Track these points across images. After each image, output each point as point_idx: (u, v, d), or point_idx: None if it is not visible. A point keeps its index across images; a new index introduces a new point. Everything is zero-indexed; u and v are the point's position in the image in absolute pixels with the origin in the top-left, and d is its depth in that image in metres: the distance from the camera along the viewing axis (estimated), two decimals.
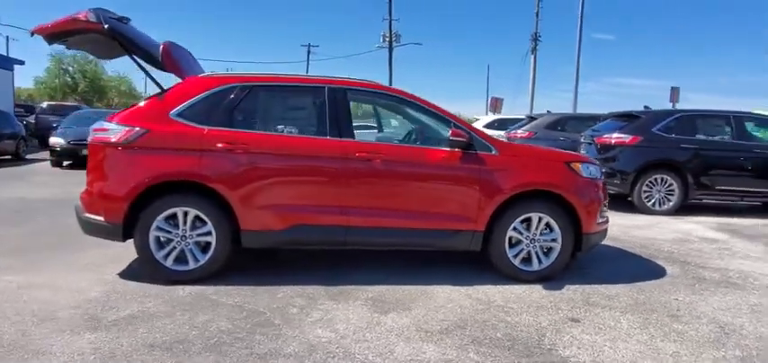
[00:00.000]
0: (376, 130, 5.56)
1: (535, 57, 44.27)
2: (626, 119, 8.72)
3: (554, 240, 4.35)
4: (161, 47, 4.17)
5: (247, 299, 3.72)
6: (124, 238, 4.00)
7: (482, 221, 4.23)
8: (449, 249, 4.36)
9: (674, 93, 18.46)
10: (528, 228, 4.33)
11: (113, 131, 3.94)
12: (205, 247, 4.04)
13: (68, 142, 12.33)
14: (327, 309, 3.60)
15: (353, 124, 4.25)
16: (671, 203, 8.05)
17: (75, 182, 9.45)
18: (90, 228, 4.08)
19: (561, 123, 12.35)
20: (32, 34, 4.07)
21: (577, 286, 4.28)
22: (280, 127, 4.22)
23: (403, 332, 3.27)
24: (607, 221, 4.68)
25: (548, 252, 4.37)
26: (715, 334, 3.40)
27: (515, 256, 4.34)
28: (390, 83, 43.56)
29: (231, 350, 2.94)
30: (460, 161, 4.20)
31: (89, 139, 4.09)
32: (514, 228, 4.30)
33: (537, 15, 43.41)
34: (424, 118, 4.45)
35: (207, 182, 3.93)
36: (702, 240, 6.35)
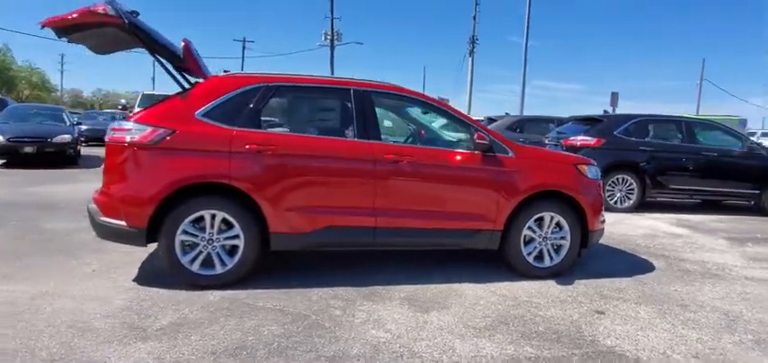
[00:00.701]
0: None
1: (473, 60, 45.62)
2: (589, 123, 9.28)
3: (563, 238, 4.61)
4: (182, 43, 4.03)
5: (284, 303, 3.69)
6: (147, 243, 3.84)
7: (501, 220, 4.41)
8: (469, 248, 4.50)
9: (614, 98, 19.75)
10: (540, 227, 4.56)
11: (137, 131, 3.76)
12: (231, 251, 3.95)
13: (7, 139, 11.38)
14: (369, 310, 3.64)
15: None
16: (631, 201, 8.66)
17: (21, 182, 8.84)
18: (108, 233, 3.87)
19: (520, 125, 12.91)
20: (43, 27, 3.80)
21: (585, 280, 4.56)
22: (310, 128, 4.20)
23: (453, 329, 3.38)
24: (605, 220, 5.01)
25: (558, 249, 4.63)
26: (724, 321, 3.76)
27: (529, 254, 4.56)
28: None
29: (297, 354, 2.93)
30: (481, 163, 4.36)
31: (107, 138, 3.88)
32: (529, 227, 4.52)
33: (474, 19, 44.79)
34: (445, 121, 4.57)
35: (236, 185, 3.84)
36: (668, 235, 6.91)
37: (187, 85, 4.25)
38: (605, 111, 10.01)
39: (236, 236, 3.91)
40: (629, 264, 5.24)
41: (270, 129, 4.06)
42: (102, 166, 3.93)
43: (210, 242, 3.88)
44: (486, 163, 4.37)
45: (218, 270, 3.90)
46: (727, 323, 3.73)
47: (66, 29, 3.87)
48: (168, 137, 3.76)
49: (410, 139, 4.54)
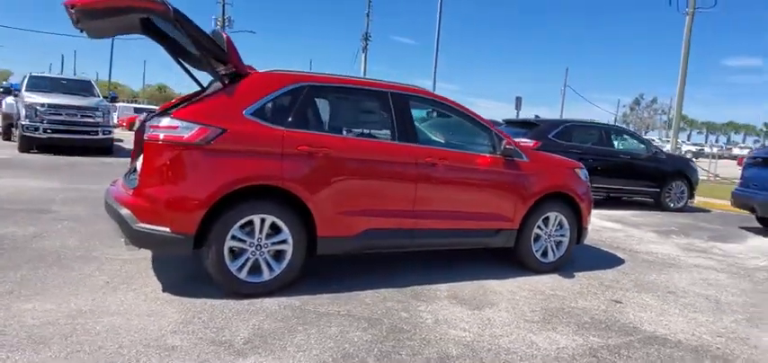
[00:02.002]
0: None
1: (366, 57, 46.25)
2: (525, 126, 10.07)
3: (563, 235, 5.07)
4: (224, 36, 3.77)
5: (344, 307, 3.64)
6: (193, 251, 3.56)
7: (518, 220, 4.74)
8: (490, 246, 4.76)
9: (518, 102, 21.42)
10: (546, 225, 4.97)
11: (185, 129, 3.46)
12: (275, 256, 3.79)
13: None
14: (429, 310, 3.73)
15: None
16: None
17: None
18: (145, 240, 3.51)
19: None
20: (73, 6, 3.33)
21: (581, 273, 5.05)
22: (353, 130, 4.15)
23: (518, 324, 3.60)
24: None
25: (558, 245, 5.07)
26: (713, 305, 4.43)
27: (537, 251, 4.94)
28: None
29: (403, 359, 2.95)
30: (504, 167, 4.64)
31: (147, 136, 3.51)
32: (538, 226, 4.90)
33: (368, 16, 45.61)
34: (470, 126, 4.76)
35: (289, 188, 3.70)
36: (607, 229, 7.79)
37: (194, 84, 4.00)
38: (536, 116, 10.90)
39: (284, 241, 3.77)
40: (603, 258, 5.87)
41: (316, 131, 3.95)
42: (139, 166, 3.56)
43: (259, 247, 3.70)
44: (507, 167, 4.66)
45: (266, 276, 3.73)
46: (716, 306, 4.39)
47: (95, 13, 3.45)
48: (220, 137, 3.52)
49: (439, 143, 4.66)
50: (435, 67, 23.53)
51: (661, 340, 3.53)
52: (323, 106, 4.09)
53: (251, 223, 3.65)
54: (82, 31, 4.17)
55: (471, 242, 4.63)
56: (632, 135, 11.07)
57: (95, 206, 6.48)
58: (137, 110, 33.59)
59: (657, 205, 10.47)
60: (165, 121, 3.49)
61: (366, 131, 4.21)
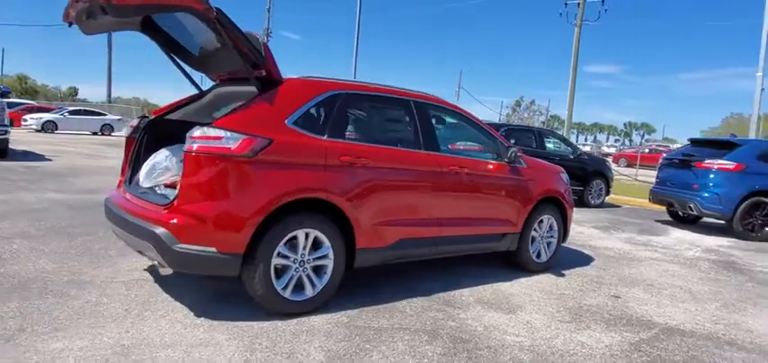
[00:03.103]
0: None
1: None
2: None
3: (553, 236, 5.40)
4: (263, 42, 3.52)
5: (394, 321, 3.59)
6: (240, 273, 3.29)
7: (520, 224, 4.96)
8: (496, 251, 4.92)
9: None
10: (540, 228, 5.25)
11: (231, 139, 3.19)
12: (316, 271, 3.63)
13: None
14: (473, 317, 3.79)
15: None
16: None
17: None
18: (187, 262, 3.19)
19: None
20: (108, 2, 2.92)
21: (568, 271, 5.41)
22: (383, 139, 4.07)
23: (558, 325, 3.78)
24: None
25: (549, 246, 5.38)
26: (689, 295, 4.97)
27: (533, 252, 5.21)
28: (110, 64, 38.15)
29: None
30: (510, 173, 4.84)
31: (190, 148, 3.18)
32: (535, 229, 5.17)
33: (269, 11, 44.37)
34: (478, 134, 4.88)
35: (332, 200, 3.56)
36: None
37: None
38: None
39: (325, 256, 3.62)
40: (573, 255, 6.30)
41: (353, 140, 3.83)
42: (179, 182, 3.21)
43: (302, 264, 3.52)
44: (513, 173, 4.86)
45: (309, 293, 3.56)
46: (693, 296, 4.93)
47: (129, 9, 3.08)
48: (267, 148, 3.29)
49: (457, 151, 4.72)
50: (355, 68, 23.58)
51: (677, 330, 3.90)
52: (356, 114, 3.98)
53: (295, 238, 3.46)
54: (71, 25, 3.71)
55: (481, 247, 4.76)
56: (561, 138, 11.99)
57: (34, 218, 5.74)
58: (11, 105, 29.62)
59: (581, 202, 11.42)
60: (210, 132, 3.19)
61: (396, 140, 4.16)
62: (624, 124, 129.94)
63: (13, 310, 3.23)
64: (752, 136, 14.69)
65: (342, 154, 3.63)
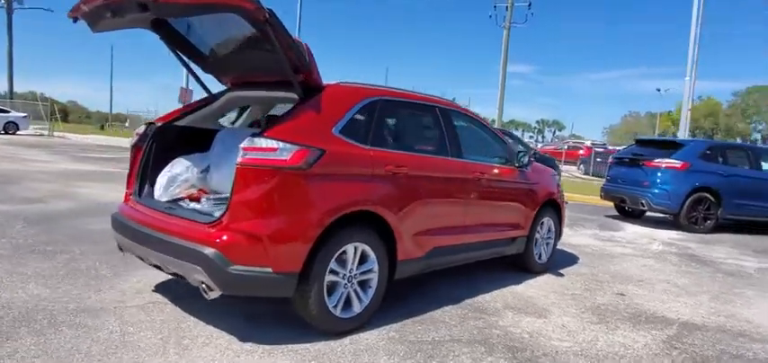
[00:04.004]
0: None
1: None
2: None
3: (550, 237, 5.56)
4: (305, 45, 3.31)
5: (443, 333, 3.53)
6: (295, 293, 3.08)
7: (527, 227, 5.07)
8: (505, 254, 4.98)
9: None
10: (541, 229, 5.39)
11: (285, 150, 2.96)
12: (361, 286, 3.49)
13: None
14: (513, 324, 3.81)
15: None
16: None
17: None
18: (242, 285, 2.94)
19: None
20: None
21: (564, 271, 5.60)
22: (417, 147, 3.97)
23: (591, 327, 3.89)
24: None
25: (547, 246, 5.54)
26: (678, 289, 5.31)
27: (536, 254, 5.33)
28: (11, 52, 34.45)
29: None
30: (520, 177, 4.92)
31: (242, 160, 2.91)
32: (538, 231, 5.30)
33: None
34: (491, 139, 4.90)
35: (379, 212, 3.43)
36: None
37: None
38: None
39: (370, 270, 3.48)
40: (560, 255, 6.48)
41: (392, 149, 3.71)
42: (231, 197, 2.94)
43: (350, 279, 3.36)
44: (522, 177, 4.94)
45: (356, 309, 3.41)
46: (682, 290, 5.27)
47: (177, 8, 2.79)
48: (321, 159, 3.10)
49: (477, 157, 4.68)
50: None
51: (693, 325, 4.14)
52: (392, 122, 3.85)
53: (344, 253, 3.30)
54: (76, 21, 3.33)
55: (497, 251, 4.80)
56: (516, 138, 12.38)
57: None
58: None
59: None
60: (263, 142, 2.94)
61: (428, 147, 4.08)
62: (536, 121, 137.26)
63: (32, 348, 2.81)
64: (680, 135, 15.99)
65: (386, 163, 3.51)
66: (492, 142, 4.87)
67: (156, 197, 3.65)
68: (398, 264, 3.65)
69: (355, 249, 3.34)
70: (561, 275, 5.39)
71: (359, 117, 3.49)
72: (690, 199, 9.11)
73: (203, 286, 2.94)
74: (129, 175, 3.81)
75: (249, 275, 2.91)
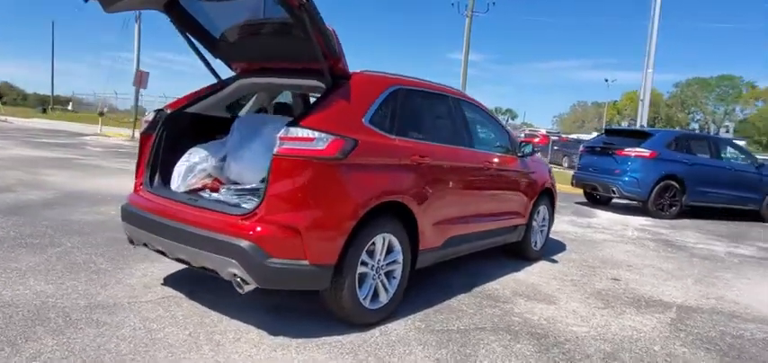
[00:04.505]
0: None
1: (139, 25, 41.08)
2: None
3: (544, 225, 5.71)
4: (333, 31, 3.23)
5: (466, 321, 3.57)
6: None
7: (527, 215, 5.18)
8: (508, 243, 5.07)
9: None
10: (538, 217, 5.52)
11: (322, 140, 2.90)
12: (387, 277, 3.48)
13: None
14: (528, 311, 3.89)
15: None
16: None
17: None
18: (280, 278, 2.87)
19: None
20: None
21: (556, 257, 5.77)
22: (435, 136, 3.96)
23: (600, 313, 4.03)
24: None
25: (542, 233, 5.68)
26: (664, 273, 5.57)
27: (532, 241, 5.46)
28: None
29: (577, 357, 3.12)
30: (522, 166, 5.01)
31: (279, 150, 2.82)
32: (534, 219, 5.42)
33: None
34: (496, 128, 4.95)
35: (406, 202, 3.42)
36: None
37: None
38: None
39: (395, 261, 3.47)
40: (548, 241, 6.71)
41: (416, 139, 3.69)
42: (267, 187, 2.84)
43: (378, 270, 3.35)
44: (523, 166, 5.04)
45: (383, 300, 3.40)
46: (668, 274, 5.54)
47: None
48: (355, 149, 3.05)
49: (487, 147, 4.72)
50: None
51: (690, 308, 4.36)
52: (412, 111, 3.82)
53: (373, 244, 3.27)
54: (87, 1, 3.15)
55: (500, 240, 4.88)
56: None
57: None
58: None
59: None
60: (300, 132, 2.87)
61: (445, 137, 4.08)
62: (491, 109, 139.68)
63: (56, 349, 2.65)
64: (639, 125, 16.64)
65: (412, 153, 3.50)
66: (497, 131, 4.93)
67: (173, 187, 3.50)
68: (420, 254, 3.66)
69: (383, 240, 3.32)
70: (555, 261, 5.55)
71: (384, 106, 3.45)
72: (657, 187, 9.55)
73: (238, 280, 2.85)
74: (139, 164, 3.63)
75: (287, 268, 2.84)
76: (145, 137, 3.63)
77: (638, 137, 10.08)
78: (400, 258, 3.47)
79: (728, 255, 6.86)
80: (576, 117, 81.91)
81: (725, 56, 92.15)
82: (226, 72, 4.04)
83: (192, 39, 3.72)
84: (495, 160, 4.57)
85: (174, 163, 3.63)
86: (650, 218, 9.55)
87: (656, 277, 5.33)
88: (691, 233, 8.48)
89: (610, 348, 3.35)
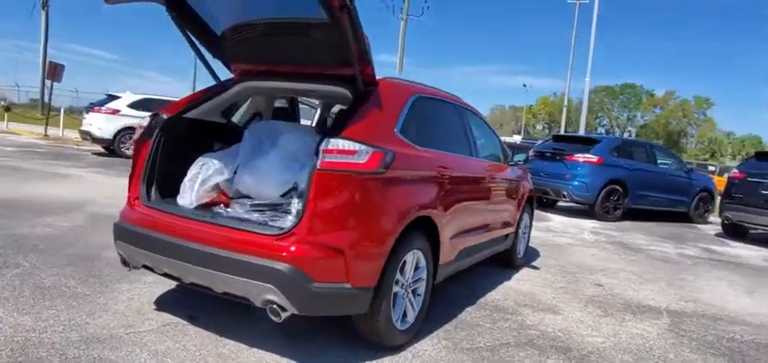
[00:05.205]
0: None
1: (47, 13, 38.03)
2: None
3: (525, 232, 5.78)
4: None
5: (488, 338, 3.49)
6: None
7: (515, 223, 5.20)
8: (498, 252, 5.04)
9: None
10: (522, 224, 5.57)
11: (364, 153, 2.69)
12: (413, 294, 3.32)
13: None
14: (538, 322, 3.88)
15: None
16: None
17: None
18: (324, 304, 2.64)
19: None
20: None
21: (536, 263, 5.87)
22: (450, 147, 3.83)
23: (604, 321, 4.10)
24: None
25: (524, 240, 5.74)
26: (637, 277, 5.81)
27: (517, 248, 5.50)
28: None
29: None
30: (512, 175, 5.03)
31: (322, 163, 2.57)
32: (520, 226, 5.47)
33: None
34: (491, 137, 4.91)
35: (432, 216, 3.28)
36: None
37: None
38: None
39: (420, 278, 3.32)
40: None
41: (437, 149, 3.55)
42: (307, 204, 2.58)
43: (406, 288, 3.18)
44: (513, 174, 5.06)
45: (410, 319, 3.24)
46: (639, 277, 5.78)
47: None
48: (394, 162, 2.87)
49: (487, 156, 4.65)
50: None
51: (674, 313, 4.54)
52: (431, 121, 3.67)
53: (405, 262, 3.10)
54: None
55: (495, 249, 4.84)
56: None
57: None
58: None
59: None
60: (344, 144, 2.64)
61: (457, 147, 3.97)
62: None
63: None
64: (581, 130, 17.52)
65: (436, 165, 3.36)
66: (493, 139, 4.91)
67: (183, 202, 3.13)
68: (439, 268, 3.53)
69: (413, 256, 3.17)
70: (538, 268, 5.63)
71: (410, 115, 3.29)
72: (604, 191, 10.04)
73: (274, 307, 2.58)
74: (133, 175, 3.22)
75: (329, 293, 2.61)
76: (140, 144, 3.22)
77: (585, 143, 10.56)
78: (424, 274, 3.33)
79: (680, 257, 7.32)
80: (495, 119, 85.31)
81: (629, 65, 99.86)
82: (223, 73, 3.70)
83: (193, 38, 3.36)
84: (495, 169, 4.54)
85: (173, 174, 3.26)
86: (597, 221, 10.03)
87: (632, 281, 5.55)
88: (638, 234, 8.99)
89: (632, 359, 3.40)
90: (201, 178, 3.11)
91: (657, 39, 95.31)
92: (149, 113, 3.51)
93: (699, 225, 11.41)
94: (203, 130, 3.57)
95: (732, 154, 66.67)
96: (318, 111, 4.73)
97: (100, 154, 13.69)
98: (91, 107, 13.60)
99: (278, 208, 2.99)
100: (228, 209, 3.06)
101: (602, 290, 5.01)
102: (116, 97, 13.53)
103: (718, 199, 10.78)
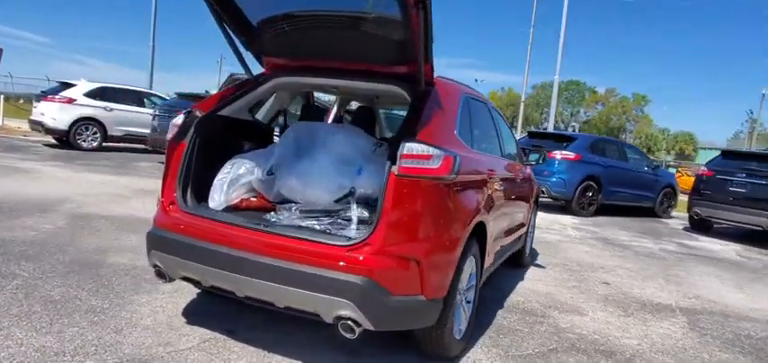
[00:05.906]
0: None
1: None
2: None
3: (532, 231, 5.79)
4: None
5: (533, 344, 3.43)
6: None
7: (528, 222, 5.19)
8: (516, 251, 5.00)
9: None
10: (530, 224, 5.57)
11: (437, 158, 2.54)
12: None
13: None
14: (570, 324, 3.87)
15: None
16: None
17: None
18: (400, 318, 2.48)
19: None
20: None
21: (543, 261, 5.90)
22: (488, 148, 3.73)
23: (622, 321, 4.14)
24: None
25: (530, 239, 5.75)
26: (635, 274, 5.95)
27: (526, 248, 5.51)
28: None
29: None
30: (527, 174, 5.01)
31: (400, 168, 2.41)
32: (529, 225, 5.47)
33: None
34: (510, 136, 4.85)
35: (484, 220, 3.18)
36: None
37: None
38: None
39: (472, 285, 3.22)
40: None
41: (483, 152, 3.45)
42: (381, 213, 2.41)
43: (461, 296, 3.07)
44: (527, 174, 5.04)
45: (463, 327, 3.12)
46: (637, 274, 5.92)
47: None
48: (460, 166, 2.74)
49: (509, 155, 4.58)
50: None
51: (687, 310, 4.65)
52: (475, 121, 3.55)
53: (464, 269, 2.98)
54: None
55: (514, 249, 4.79)
56: None
57: None
58: None
59: None
60: (420, 148, 2.48)
61: (493, 148, 3.88)
62: None
63: None
64: (550, 127, 17.89)
65: (486, 167, 3.26)
66: (513, 139, 4.86)
67: (213, 204, 2.88)
68: (482, 272, 3.44)
69: (470, 263, 3.05)
70: (543, 267, 5.65)
71: (463, 116, 3.17)
72: (580, 188, 10.28)
73: (349, 323, 2.39)
74: (167, 177, 2.93)
75: (405, 306, 2.46)
76: (175, 145, 2.93)
77: (561, 140, 10.77)
78: (474, 280, 3.23)
79: (663, 252, 7.58)
80: None
81: (574, 62, 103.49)
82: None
83: (229, 30, 3.09)
84: (518, 169, 4.50)
85: (205, 177, 3.00)
86: (575, 217, 10.26)
87: (632, 278, 5.67)
88: (617, 230, 9.26)
89: (674, 361, 3.43)
90: (231, 177, 2.88)
91: (600, 37, 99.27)
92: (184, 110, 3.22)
93: (663, 219, 11.91)
94: (232, 129, 3.31)
95: (666, 150, 70.53)
96: (334, 109, 4.53)
97: (52, 146, 12.76)
98: (43, 95, 12.64)
99: (334, 215, 2.79)
100: (279, 216, 2.83)
101: (611, 289, 5.08)
102: (70, 85, 12.62)
103: (682, 195, 11.28)
